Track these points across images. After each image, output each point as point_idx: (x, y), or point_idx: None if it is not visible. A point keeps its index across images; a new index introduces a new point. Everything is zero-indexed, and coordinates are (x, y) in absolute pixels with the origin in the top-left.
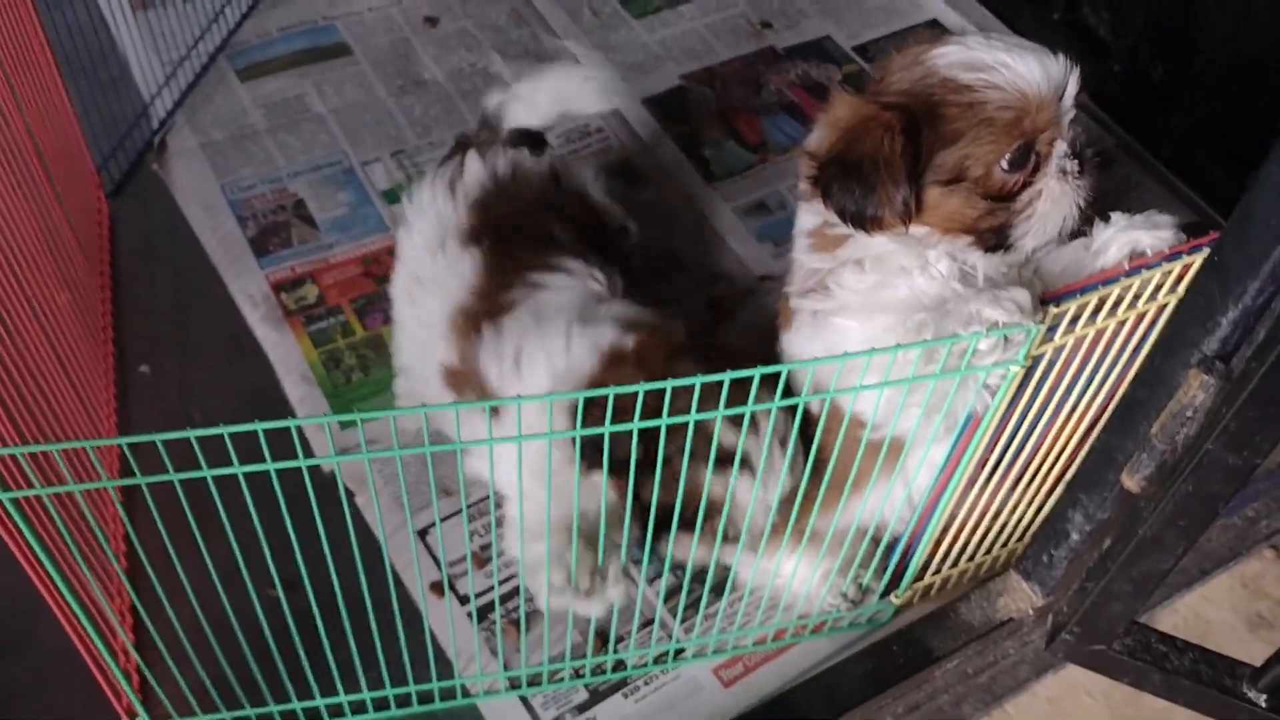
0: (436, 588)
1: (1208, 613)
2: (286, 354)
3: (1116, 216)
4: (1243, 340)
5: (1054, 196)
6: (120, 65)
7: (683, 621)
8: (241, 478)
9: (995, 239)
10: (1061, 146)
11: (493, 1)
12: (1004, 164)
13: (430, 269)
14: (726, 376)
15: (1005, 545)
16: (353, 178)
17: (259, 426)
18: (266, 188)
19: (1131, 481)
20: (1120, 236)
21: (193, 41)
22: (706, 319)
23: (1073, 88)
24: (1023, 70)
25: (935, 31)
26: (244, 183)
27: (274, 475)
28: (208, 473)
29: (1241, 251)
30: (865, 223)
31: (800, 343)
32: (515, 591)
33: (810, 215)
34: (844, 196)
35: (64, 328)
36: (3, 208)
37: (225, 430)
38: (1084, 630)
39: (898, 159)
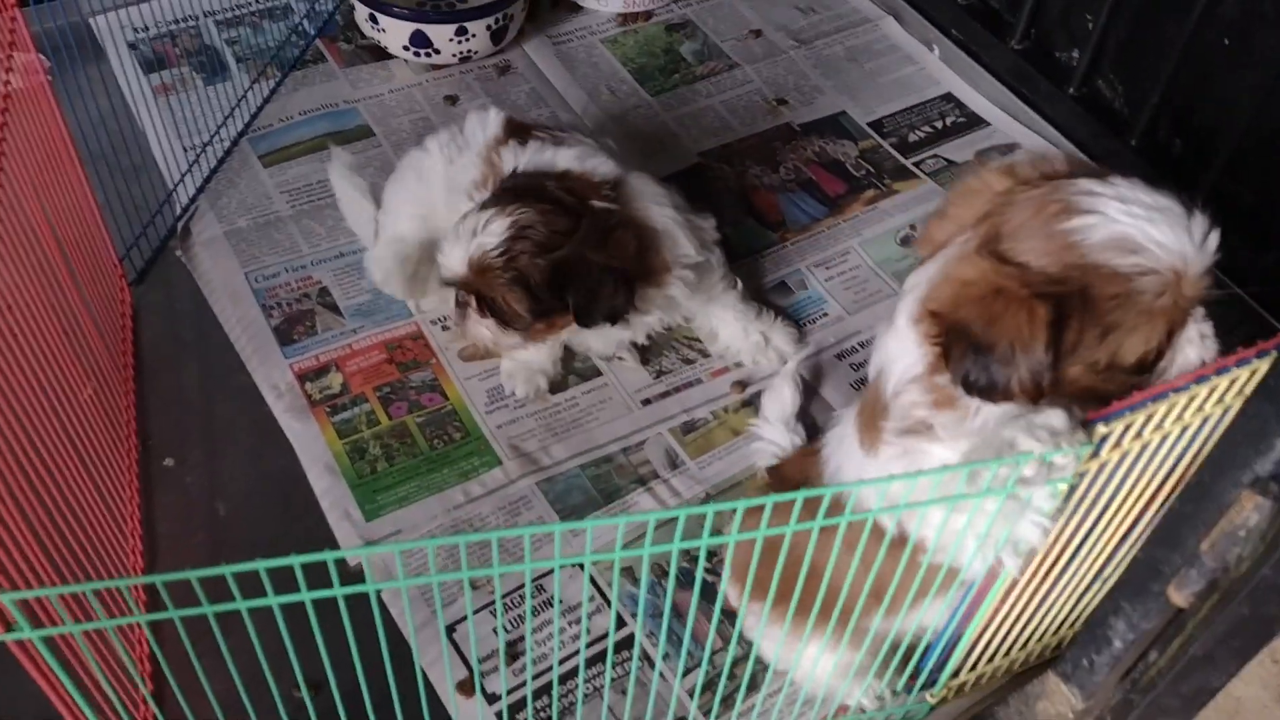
0: (465, 686)
1: (1237, 690)
2: (311, 445)
3: None
4: None
5: (1187, 364)
6: (143, 152)
7: None
8: (276, 607)
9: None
10: (1200, 311)
11: (512, 81)
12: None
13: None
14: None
15: (1042, 640)
16: None
17: (295, 561)
18: (291, 276)
19: (1179, 596)
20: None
21: (215, 127)
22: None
23: (1213, 248)
24: (1176, 248)
25: (952, 105)
26: (268, 271)
27: (309, 605)
28: (242, 605)
29: None
30: (992, 396)
31: (886, 467)
32: (546, 688)
33: (915, 362)
34: (975, 373)
35: (87, 423)
36: (23, 303)
37: (261, 565)
38: None
39: (1043, 350)
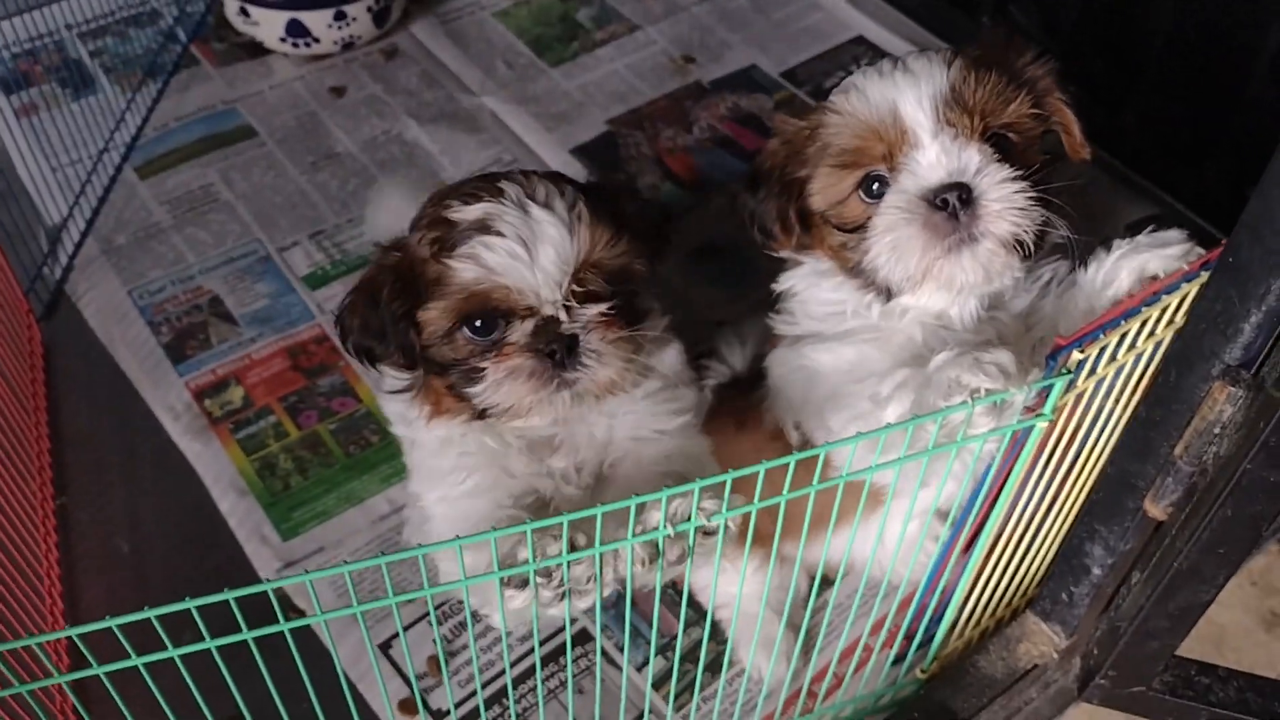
0: (407, 706)
1: (1220, 616)
2: (215, 466)
3: (1118, 242)
4: (1269, 345)
5: (889, 231)
6: (7, 178)
7: (679, 709)
8: (178, 660)
9: (862, 276)
10: (911, 180)
11: (401, 65)
12: (859, 194)
13: None
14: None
15: (1024, 592)
16: (270, 266)
17: (190, 604)
18: (178, 288)
19: (1157, 509)
20: (1126, 263)
21: (89, 146)
22: None
23: (926, 110)
24: (873, 94)
25: (864, 49)
26: (153, 286)
27: (215, 653)
28: (138, 661)
29: (1260, 248)
30: (764, 235)
31: (775, 365)
32: (500, 694)
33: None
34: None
35: None
36: None
37: (151, 614)
38: (1120, 673)
39: (778, 177)
